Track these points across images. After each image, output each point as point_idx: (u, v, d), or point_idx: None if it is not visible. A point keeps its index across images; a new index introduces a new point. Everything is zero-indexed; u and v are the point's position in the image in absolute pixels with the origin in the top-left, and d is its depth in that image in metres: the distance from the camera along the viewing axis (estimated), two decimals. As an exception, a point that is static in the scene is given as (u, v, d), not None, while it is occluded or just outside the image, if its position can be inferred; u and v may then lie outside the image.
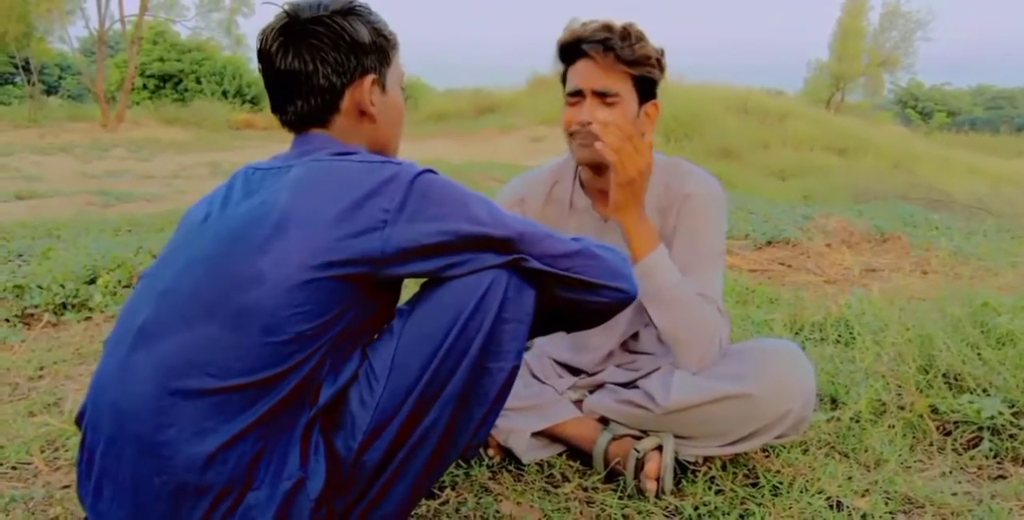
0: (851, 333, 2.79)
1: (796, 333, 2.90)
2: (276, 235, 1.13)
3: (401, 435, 1.20)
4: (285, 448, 1.15)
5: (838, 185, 11.06)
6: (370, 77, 1.30)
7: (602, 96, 1.69)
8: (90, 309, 3.25)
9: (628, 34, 1.68)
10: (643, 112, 1.74)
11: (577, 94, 1.71)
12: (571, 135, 1.75)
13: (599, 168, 1.81)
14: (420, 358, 1.20)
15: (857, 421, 2.07)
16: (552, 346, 2.02)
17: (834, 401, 2.22)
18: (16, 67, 25.17)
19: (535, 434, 1.85)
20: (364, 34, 1.29)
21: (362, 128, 1.33)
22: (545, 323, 1.33)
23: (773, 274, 4.41)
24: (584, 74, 1.70)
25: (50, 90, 36.10)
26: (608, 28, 1.69)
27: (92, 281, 3.46)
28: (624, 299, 1.31)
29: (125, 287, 3.46)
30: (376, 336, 1.25)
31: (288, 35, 1.26)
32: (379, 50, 1.31)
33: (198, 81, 29.46)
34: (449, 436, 1.24)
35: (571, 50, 1.72)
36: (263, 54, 1.29)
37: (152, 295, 1.19)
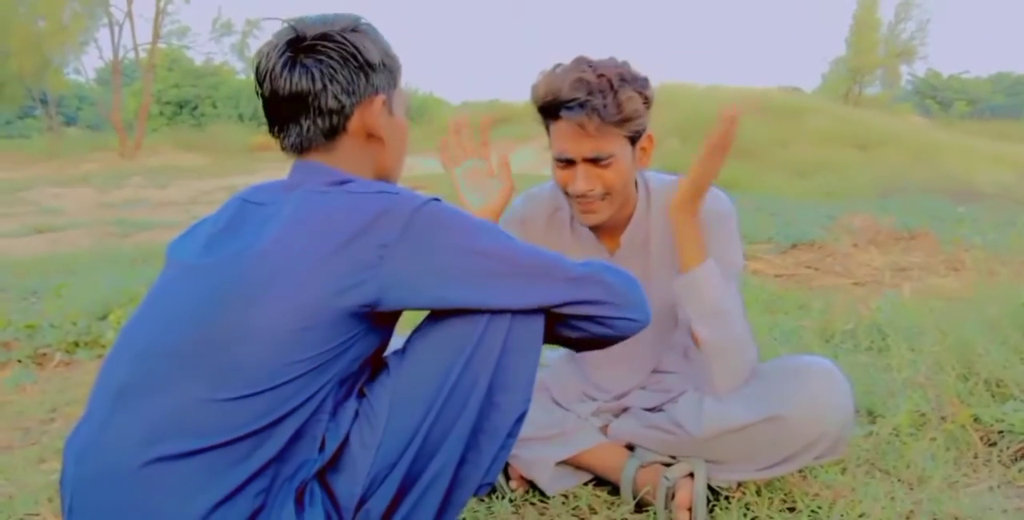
0: (884, 340, 2.72)
1: (827, 341, 2.83)
2: (263, 285, 1.07)
3: (408, 478, 1.14)
4: (286, 501, 1.09)
5: (861, 180, 10.95)
6: (380, 97, 1.25)
7: (595, 161, 1.60)
8: (103, 346, 3.22)
9: (608, 86, 1.54)
10: (638, 151, 1.66)
11: (567, 160, 1.63)
12: (566, 194, 1.67)
13: (599, 227, 1.75)
14: (423, 395, 1.14)
15: (897, 435, 1.99)
16: (572, 375, 1.96)
17: (871, 414, 2.15)
18: (34, 100, 25.51)
19: (559, 463, 1.79)
20: (374, 53, 1.24)
21: (369, 151, 1.28)
22: (553, 342, 1.27)
23: (800, 278, 4.35)
24: (571, 142, 1.59)
25: (69, 122, 36.61)
26: (584, 83, 1.54)
27: (104, 317, 3.44)
28: (635, 328, 1.24)
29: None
30: (374, 372, 1.19)
31: (294, 52, 1.20)
32: (387, 71, 1.27)
33: (214, 105, 29.82)
34: (460, 477, 1.18)
35: (551, 110, 1.60)
36: (265, 73, 1.22)
37: (131, 353, 1.12)
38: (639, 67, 1.61)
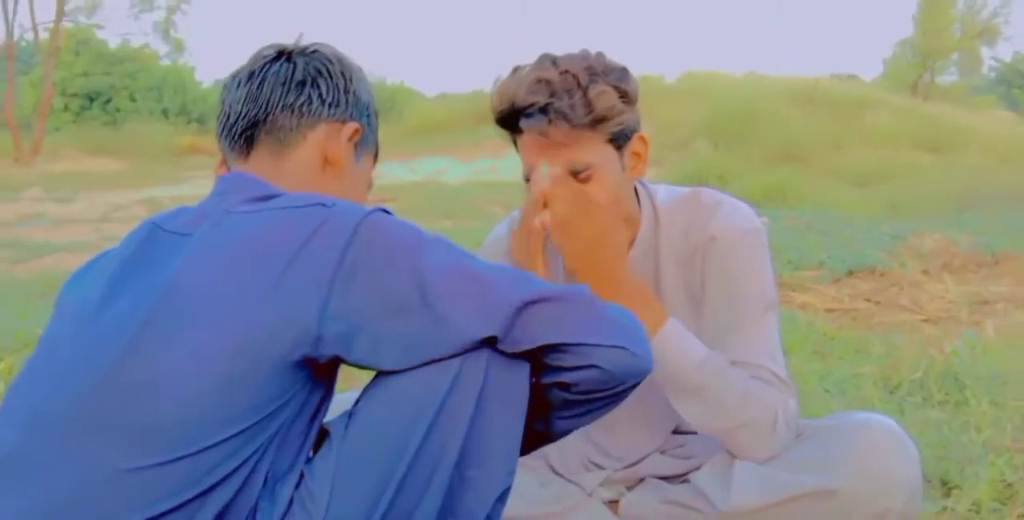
0: (962, 392, 2.73)
1: (891, 393, 2.85)
2: (177, 329, 1.10)
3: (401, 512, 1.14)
4: None
5: (932, 191, 10.99)
6: (353, 125, 1.40)
7: (573, 175, 1.61)
8: (-9, 402, 3.19)
9: (573, 84, 1.56)
10: (628, 157, 1.68)
11: None
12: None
13: None
14: (374, 472, 1.13)
15: (977, 511, 2.01)
16: (573, 438, 1.96)
17: (945, 485, 2.16)
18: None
19: (559, 549, 1.79)
20: (365, 91, 1.43)
21: (321, 181, 1.36)
22: (542, 404, 1.26)
23: (857, 314, 4.38)
24: (537, 155, 1.61)
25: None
26: (545, 84, 1.56)
27: (-7, 366, 3.42)
28: (635, 365, 1.20)
29: (34, 371, 3.39)
30: (316, 443, 1.20)
31: (293, 53, 1.39)
32: (370, 116, 1.45)
33: (132, 98, 29.78)
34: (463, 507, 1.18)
35: (510, 122, 1.63)
36: (251, 64, 1.39)
37: (19, 415, 1.13)
38: (615, 57, 1.63)
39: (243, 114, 1.35)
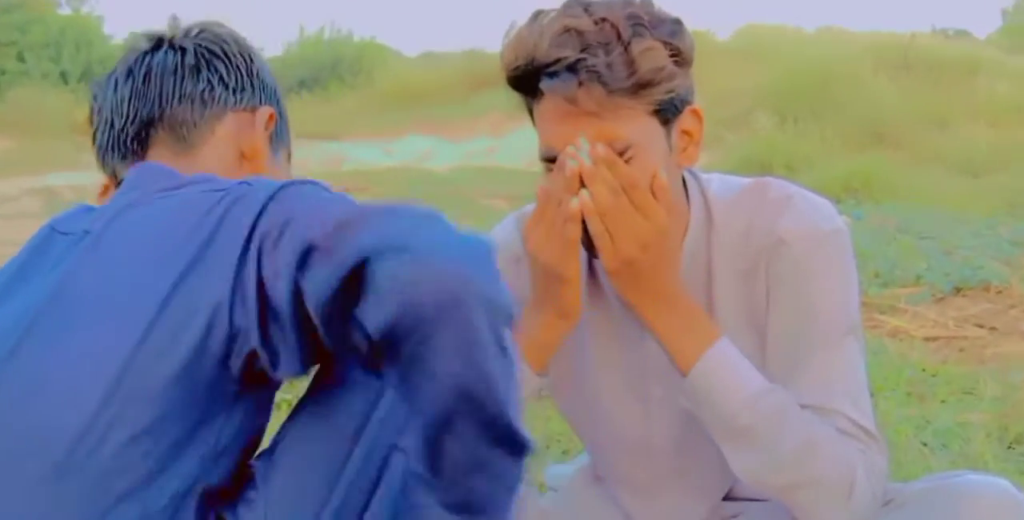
0: (1100, 446, 2.73)
1: (1009, 448, 2.84)
2: (60, 329, 1.17)
3: None
4: None
5: (1065, 183, 10.98)
6: (267, 109, 1.49)
7: None
8: None
9: (612, 36, 1.54)
10: (677, 136, 1.67)
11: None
12: None
13: None
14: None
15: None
16: (596, 506, 1.98)
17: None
18: None
19: None
20: (268, 73, 1.52)
21: (237, 175, 1.37)
22: None
23: (967, 345, 4.38)
24: (563, 129, 1.60)
25: None
26: (576, 35, 1.53)
27: None
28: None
29: None
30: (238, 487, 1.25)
31: (175, 39, 1.46)
32: (279, 102, 1.54)
33: (21, 58, 29.87)
34: None
35: (528, 82, 1.61)
36: (125, 61, 1.47)
37: None
38: (667, 7, 1.62)
39: (131, 116, 1.42)
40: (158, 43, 1.45)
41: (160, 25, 1.50)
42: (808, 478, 1.64)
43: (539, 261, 1.63)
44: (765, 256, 1.73)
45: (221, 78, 1.43)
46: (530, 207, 1.80)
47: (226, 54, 1.45)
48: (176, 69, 1.42)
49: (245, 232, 1.17)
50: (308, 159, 14.44)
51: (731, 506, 1.91)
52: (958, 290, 5.09)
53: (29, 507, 1.13)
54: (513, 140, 17.77)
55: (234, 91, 1.44)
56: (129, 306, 1.17)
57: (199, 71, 1.42)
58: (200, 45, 1.44)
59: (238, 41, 1.48)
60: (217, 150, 1.42)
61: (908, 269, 5.29)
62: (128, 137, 1.42)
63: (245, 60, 1.47)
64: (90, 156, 1.51)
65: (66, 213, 1.39)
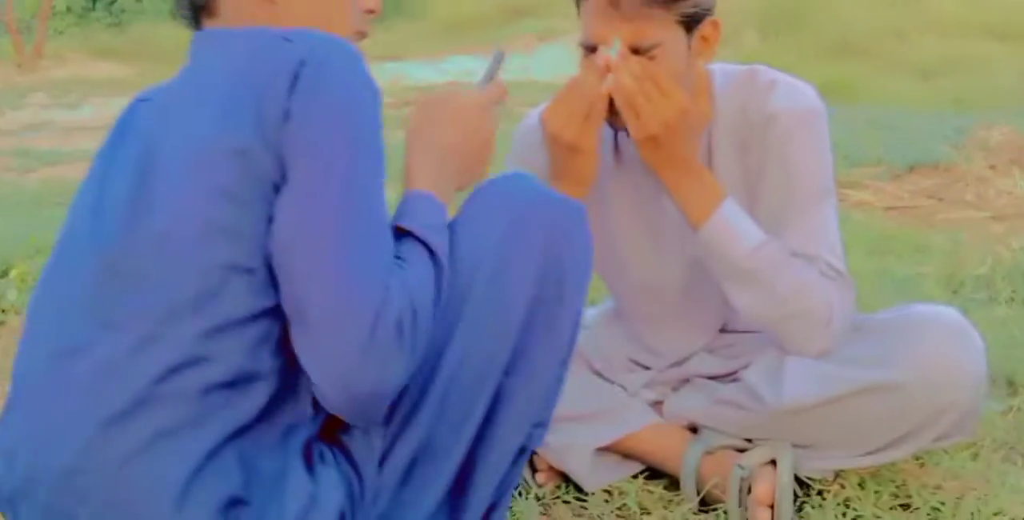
0: (1030, 288, 2.72)
1: (955, 292, 2.86)
2: (151, 181, 1.15)
3: (450, 413, 1.24)
4: (291, 461, 1.17)
5: (1003, 82, 10.78)
6: None
7: (635, 51, 1.61)
8: (2, 310, 3.26)
9: None
10: (696, 41, 1.67)
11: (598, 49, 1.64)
12: None
13: None
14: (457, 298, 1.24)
15: (1045, 411, 2.01)
16: (617, 338, 1.98)
17: (1012, 385, 2.18)
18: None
19: (600, 450, 1.83)
20: None
21: (259, 13, 1.28)
22: None
23: (919, 212, 4.37)
24: (602, 23, 1.61)
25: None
26: None
27: (5, 274, 3.48)
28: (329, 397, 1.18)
29: (48, 279, 3.44)
30: None
31: None
32: None
33: (137, -2, 29.64)
34: (512, 410, 1.29)
35: None
36: None
37: (54, 310, 1.20)
38: None
39: None
40: None
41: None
42: (798, 311, 1.66)
43: (560, 138, 1.65)
44: (759, 131, 1.74)
45: None
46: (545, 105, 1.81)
47: None
48: None
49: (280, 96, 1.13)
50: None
51: (725, 338, 1.92)
52: (912, 169, 5.05)
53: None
54: (542, 57, 17.62)
55: None
56: (201, 154, 1.13)
57: None
58: None
59: None
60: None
61: (871, 152, 5.24)
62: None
63: None
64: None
65: (150, 87, 1.36)
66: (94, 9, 29.72)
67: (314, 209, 1.11)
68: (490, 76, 1.45)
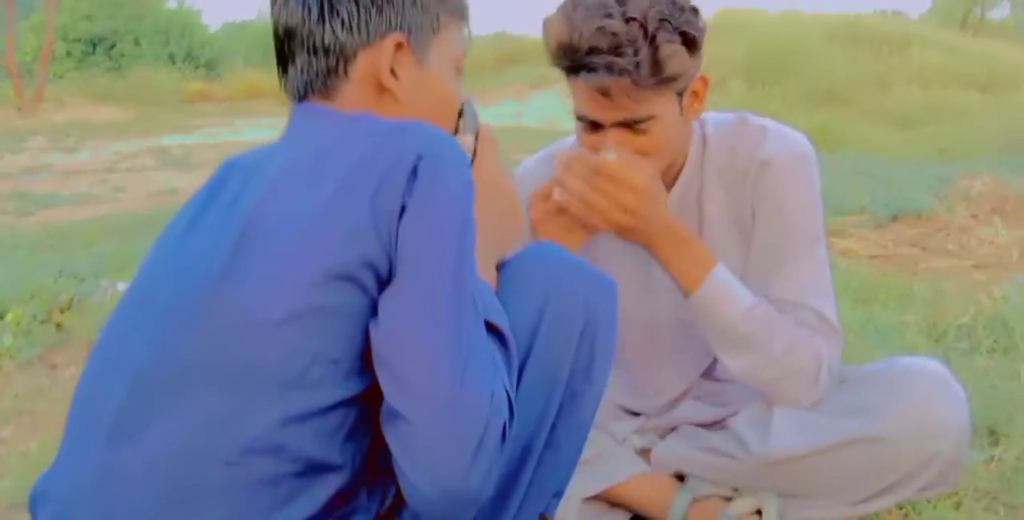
0: (1011, 338, 2.74)
1: (936, 341, 2.86)
2: (248, 253, 1.10)
3: (498, 488, 1.22)
4: None
5: (983, 133, 10.87)
6: (394, 37, 1.25)
7: (629, 125, 1.59)
8: (-4, 356, 3.24)
9: (640, 35, 1.50)
10: (687, 100, 1.64)
11: (592, 122, 1.62)
12: None
13: None
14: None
15: (1026, 461, 2.01)
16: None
17: (993, 434, 2.16)
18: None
19: (587, 499, 1.81)
20: None
21: (381, 108, 1.26)
22: None
23: (902, 261, 4.37)
24: (597, 105, 1.58)
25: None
26: (608, 36, 1.50)
27: (1, 317, 3.46)
28: (417, 499, 1.12)
29: (43, 323, 3.44)
30: None
31: None
32: (422, 7, 1.27)
33: (137, 43, 29.70)
34: (539, 482, 1.34)
35: (568, 70, 1.59)
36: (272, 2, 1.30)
37: (120, 377, 1.14)
38: None
39: (287, 63, 1.30)
40: None
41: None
42: (791, 370, 1.66)
43: (543, 234, 1.66)
44: (752, 174, 1.74)
45: (364, 2, 1.22)
46: (569, 139, 1.82)
47: None
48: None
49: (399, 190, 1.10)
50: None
51: (713, 386, 1.92)
52: (895, 218, 5.07)
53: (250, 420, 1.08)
54: (533, 104, 17.71)
55: (374, 19, 1.23)
56: (306, 233, 1.09)
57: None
58: None
59: None
60: (362, 76, 1.25)
61: (855, 202, 5.26)
62: (281, 47, 1.28)
63: None
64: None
65: (243, 152, 1.31)
66: (94, 53, 29.86)
67: (428, 310, 1.07)
68: (473, 128, 1.39)
